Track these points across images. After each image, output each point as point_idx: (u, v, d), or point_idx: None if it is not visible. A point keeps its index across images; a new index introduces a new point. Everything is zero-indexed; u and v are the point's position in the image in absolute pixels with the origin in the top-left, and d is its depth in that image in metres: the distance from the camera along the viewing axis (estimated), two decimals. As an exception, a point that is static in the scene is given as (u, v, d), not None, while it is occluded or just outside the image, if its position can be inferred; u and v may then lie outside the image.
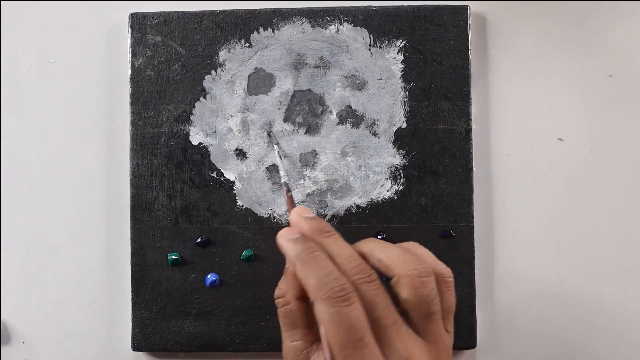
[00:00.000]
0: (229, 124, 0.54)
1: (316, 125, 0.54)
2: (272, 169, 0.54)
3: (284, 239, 0.41)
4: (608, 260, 0.55)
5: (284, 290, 0.41)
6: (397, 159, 0.54)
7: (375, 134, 0.54)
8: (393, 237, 0.53)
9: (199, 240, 0.54)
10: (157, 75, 0.54)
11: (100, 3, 0.56)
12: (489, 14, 0.56)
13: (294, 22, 0.54)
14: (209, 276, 0.54)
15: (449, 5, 0.54)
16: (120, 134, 0.56)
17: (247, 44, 0.54)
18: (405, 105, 0.54)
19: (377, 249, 0.41)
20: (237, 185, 0.54)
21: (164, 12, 0.54)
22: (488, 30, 0.56)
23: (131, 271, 0.54)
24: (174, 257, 0.54)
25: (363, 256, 0.41)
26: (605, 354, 0.55)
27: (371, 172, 0.54)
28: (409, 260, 0.40)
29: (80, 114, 0.56)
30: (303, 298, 0.40)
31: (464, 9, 0.54)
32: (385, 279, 0.41)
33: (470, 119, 0.54)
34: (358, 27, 0.54)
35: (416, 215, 0.53)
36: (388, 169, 0.54)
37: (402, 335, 0.38)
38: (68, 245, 0.56)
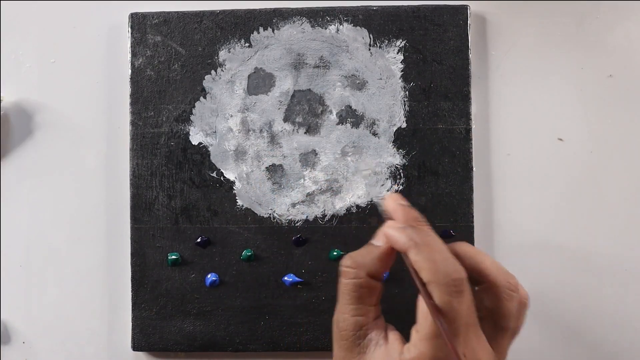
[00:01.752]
0: (229, 123, 0.54)
1: (316, 125, 0.54)
2: (272, 169, 0.54)
3: (394, 230, 0.40)
4: (608, 260, 0.55)
5: (359, 263, 0.41)
6: (397, 159, 0.54)
7: (375, 134, 0.54)
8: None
9: (199, 240, 0.54)
10: (157, 75, 0.54)
11: (100, 3, 0.56)
12: (489, 14, 0.56)
13: (293, 22, 0.54)
14: (209, 276, 0.54)
15: (449, 5, 0.54)
16: (120, 134, 0.56)
17: (247, 44, 0.54)
18: (405, 105, 0.54)
19: (472, 252, 0.41)
20: (237, 185, 0.54)
21: (164, 12, 0.54)
22: (488, 30, 0.56)
23: (131, 271, 0.54)
24: (174, 257, 0.54)
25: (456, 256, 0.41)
26: (606, 354, 0.55)
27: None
28: (503, 272, 0.40)
29: (80, 114, 0.56)
30: (376, 277, 0.41)
31: (463, 9, 0.54)
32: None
33: (470, 119, 0.54)
34: (358, 27, 0.54)
35: (416, 215, 0.53)
36: (388, 168, 0.54)
37: (479, 338, 0.38)
38: (68, 245, 0.56)
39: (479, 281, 0.41)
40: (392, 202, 0.42)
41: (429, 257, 0.38)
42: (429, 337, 0.37)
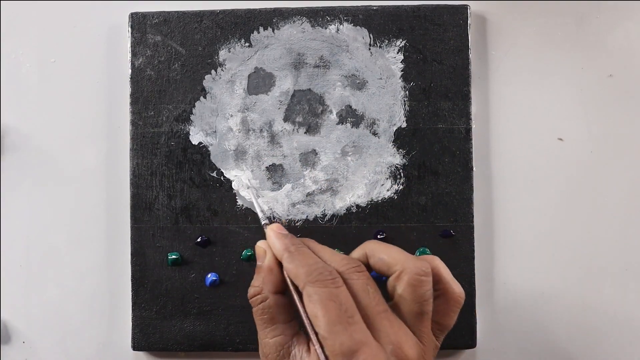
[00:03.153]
0: (229, 123, 0.54)
1: (316, 124, 0.54)
2: (272, 169, 0.54)
3: (273, 232, 0.43)
4: (608, 260, 0.55)
5: (259, 287, 0.42)
6: (397, 159, 0.54)
7: (375, 134, 0.54)
8: (393, 237, 0.53)
9: (199, 240, 0.54)
10: (157, 75, 0.54)
11: (100, 3, 0.56)
12: (489, 13, 0.56)
13: (294, 21, 0.54)
14: (209, 276, 0.54)
15: (449, 5, 0.54)
16: (120, 133, 0.56)
17: (247, 44, 0.54)
18: (405, 105, 0.54)
19: (379, 249, 0.43)
20: (237, 185, 0.54)
21: (164, 11, 0.54)
22: (488, 30, 0.56)
23: (131, 271, 0.54)
24: (174, 256, 0.54)
25: (363, 257, 0.43)
26: (606, 354, 0.55)
27: (371, 171, 0.54)
28: (410, 259, 0.41)
29: (80, 114, 0.56)
30: (280, 293, 0.42)
31: (463, 9, 0.54)
32: (384, 279, 0.42)
33: (470, 119, 0.54)
34: (358, 27, 0.54)
35: (416, 214, 0.53)
36: (388, 168, 0.54)
37: (393, 323, 0.39)
38: (68, 245, 0.56)
39: (388, 274, 0.42)
40: (272, 232, 0.44)
41: (300, 261, 0.40)
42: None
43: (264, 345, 0.42)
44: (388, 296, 0.42)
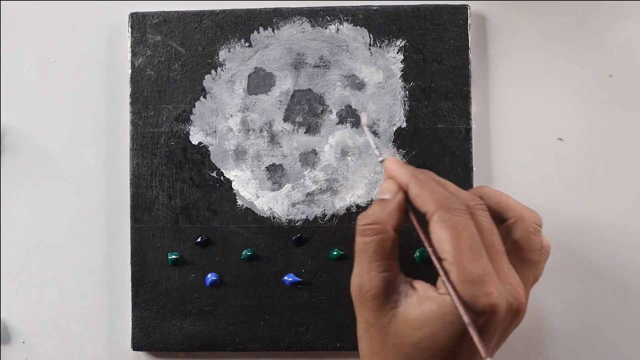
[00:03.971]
0: (229, 123, 0.54)
1: (316, 124, 0.54)
2: (272, 169, 0.54)
3: (395, 163, 0.42)
4: (608, 260, 0.55)
5: (381, 218, 0.40)
6: (397, 159, 0.54)
7: (375, 134, 0.54)
8: (393, 237, 0.53)
9: (199, 239, 0.54)
10: (157, 75, 0.54)
11: (100, 3, 0.56)
12: (489, 13, 0.56)
13: (294, 21, 0.54)
14: (209, 276, 0.54)
15: (449, 5, 0.54)
16: (120, 133, 0.56)
17: (247, 44, 0.54)
18: (405, 105, 0.54)
19: (494, 194, 0.43)
20: (237, 185, 0.54)
21: (164, 11, 0.54)
22: (488, 30, 0.56)
23: (131, 271, 0.54)
24: (174, 256, 0.54)
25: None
26: (606, 354, 0.55)
27: (371, 171, 0.54)
28: (527, 208, 0.42)
29: (80, 114, 0.56)
30: (398, 230, 0.41)
31: (463, 9, 0.54)
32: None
33: (470, 119, 0.54)
34: (358, 27, 0.54)
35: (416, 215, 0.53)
36: (388, 168, 0.54)
37: (509, 265, 0.39)
38: (68, 245, 0.56)
39: (505, 218, 0.42)
40: (393, 164, 0.43)
41: (429, 189, 0.39)
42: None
43: (369, 280, 0.40)
44: None
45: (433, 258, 0.38)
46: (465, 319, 0.36)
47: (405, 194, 0.41)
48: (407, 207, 0.41)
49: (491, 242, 0.39)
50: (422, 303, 0.39)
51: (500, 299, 0.37)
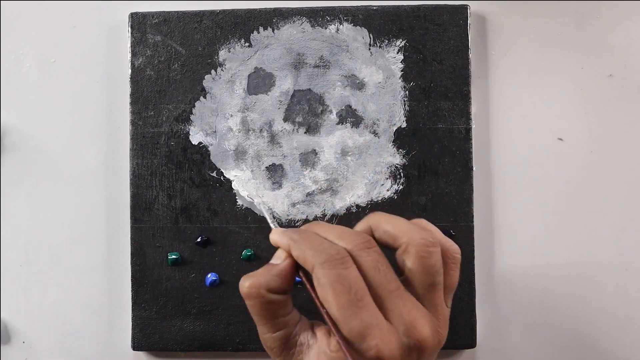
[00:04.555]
0: (229, 123, 0.54)
1: (316, 124, 0.54)
2: (272, 169, 0.54)
3: (276, 234, 0.41)
4: (608, 260, 0.55)
5: (258, 283, 0.40)
6: (397, 159, 0.54)
7: (375, 134, 0.54)
8: (393, 237, 0.53)
9: (199, 239, 0.54)
10: (157, 75, 0.54)
11: (100, 3, 0.56)
12: (489, 13, 0.56)
13: (293, 21, 0.54)
14: (209, 276, 0.54)
15: (449, 5, 0.54)
16: (120, 133, 0.56)
17: (247, 44, 0.54)
18: (405, 105, 0.54)
19: (383, 221, 0.41)
20: (237, 185, 0.54)
21: (164, 11, 0.54)
22: (488, 30, 0.56)
23: (131, 271, 0.54)
24: (174, 256, 0.54)
25: (368, 231, 0.42)
26: (606, 354, 0.55)
27: (371, 171, 0.54)
28: (417, 231, 0.40)
29: (80, 114, 0.56)
30: (280, 293, 0.41)
31: (463, 9, 0.54)
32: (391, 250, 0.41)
33: (470, 119, 0.54)
34: (358, 27, 0.54)
35: (416, 214, 0.53)
36: (388, 168, 0.54)
37: (406, 301, 0.38)
38: (68, 245, 0.56)
39: (394, 246, 0.40)
40: (273, 234, 0.42)
41: (307, 246, 0.39)
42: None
43: (267, 340, 0.41)
44: (399, 270, 0.41)
45: (324, 316, 0.38)
46: None
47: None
48: (303, 277, 0.41)
49: (378, 284, 0.38)
50: (319, 355, 0.39)
51: (386, 348, 0.36)
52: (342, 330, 0.37)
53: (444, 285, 0.40)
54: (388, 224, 0.41)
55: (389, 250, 0.41)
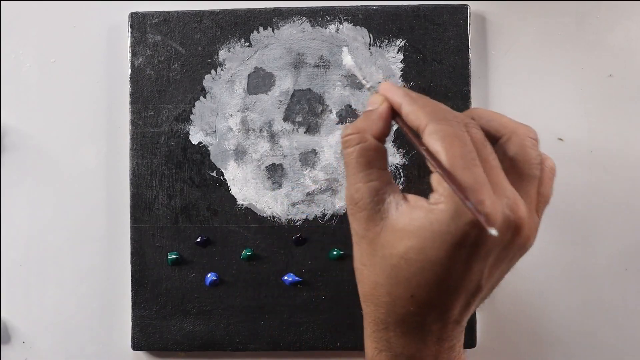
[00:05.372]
0: (229, 123, 0.54)
1: (316, 124, 0.54)
2: (272, 169, 0.54)
3: (389, 84, 0.40)
4: (608, 260, 0.55)
5: (361, 127, 0.40)
6: (397, 158, 0.54)
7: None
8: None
9: (198, 239, 0.54)
10: (157, 75, 0.54)
11: (100, 3, 0.56)
12: (488, 13, 0.56)
13: (293, 21, 0.54)
14: (208, 275, 0.54)
15: (449, 5, 0.54)
16: (120, 133, 0.56)
17: (247, 44, 0.54)
18: (405, 105, 0.54)
19: (487, 113, 0.41)
20: (237, 184, 0.54)
21: (164, 11, 0.54)
22: (488, 30, 0.56)
23: (131, 270, 0.54)
24: (173, 256, 0.54)
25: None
26: (606, 354, 0.55)
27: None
28: (521, 125, 0.40)
29: (80, 114, 0.56)
30: (381, 139, 0.40)
31: (463, 9, 0.54)
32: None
33: (470, 119, 0.54)
34: (358, 27, 0.54)
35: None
36: (388, 167, 0.54)
37: (506, 181, 0.37)
38: (68, 245, 0.56)
39: (499, 136, 0.40)
40: (385, 84, 0.41)
41: (421, 104, 0.38)
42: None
43: (356, 190, 0.39)
44: None
45: (434, 168, 0.36)
46: (468, 204, 0.34)
47: (393, 108, 0.40)
48: (400, 122, 0.40)
49: (485, 157, 0.37)
50: (411, 212, 0.37)
51: (493, 209, 0.35)
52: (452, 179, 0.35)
53: (538, 193, 0.40)
54: (492, 115, 0.41)
55: None
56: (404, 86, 0.53)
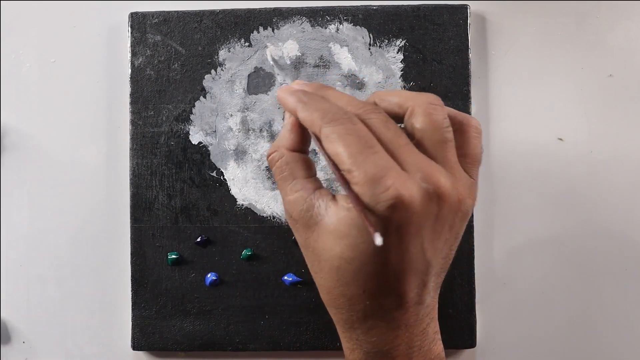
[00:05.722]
0: (229, 123, 0.54)
1: (316, 124, 0.54)
2: (272, 169, 0.54)
3: (285, 92, 0.41)
4: (608, 260, 0.55)
5: (278, 145, 0.41)
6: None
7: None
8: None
9: (198, 239, 0.54)
10: (157, 75, 0.54)
11: (100, 3, 0.56)
12: (488, 13, 0.56)
13: (293, 21, 0.54)
14: (208, 275, 0.54)
15: (449, 5, 0.54)
16: (120, 133, 0.56)
17: (247, 44, 0.54)
18: (405, 105, 0.54)
19: (387, 93, 0.41)
20: (237, 184, 0.54)
21: (164, 11, 0.54)
22: (488, 30, 0.56)
23: (131, 270, 0.54)
24: (173, 256, 0.54)
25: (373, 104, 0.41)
26: (606, 354, 0.55)
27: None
28: (421, 94, 0.40)
29: (80, 114, 0.56)
30: (299, 151, 0.41)
31: (463, 9, 0.54)
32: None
33: (470, 119, 0.54)
34: (358, 27, 0.54)
35: (416, 214, 0.53)
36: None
37: (417, 155, 0.37)
38: (68, 245, 0.56)
39: (401, 113, 0.40)
40: (281, 92, 0.41)
41: (313, 108, 0.38)
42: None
43: (287, 204, 0.40)
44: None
45: (335, 173, 0.37)
46: (367, 220, 0.35)
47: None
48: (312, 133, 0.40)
49: (389, 139, 0.37)
50: (338, 213, 0.37)
51: (404, 188, 0.35)
52: (356, 177, 0.35)
53: (466, 155, 0.40)
54: (393, 95, 0.40)
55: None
56: (406, 86, 0.54)
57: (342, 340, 0.41)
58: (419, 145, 0.38)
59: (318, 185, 0.40)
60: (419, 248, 0.37)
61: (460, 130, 0.40)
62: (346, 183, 0.36)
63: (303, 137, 0.41)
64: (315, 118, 0.38)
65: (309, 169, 0.41)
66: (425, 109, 0.39)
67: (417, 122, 0.39)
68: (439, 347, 0.41)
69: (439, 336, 0.42)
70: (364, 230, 0.36)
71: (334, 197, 0.39)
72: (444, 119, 0.39)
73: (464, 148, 0.40)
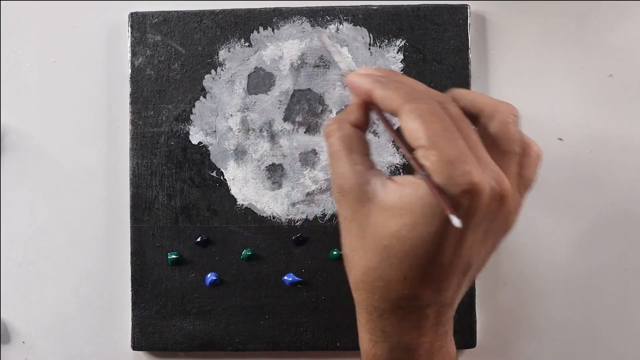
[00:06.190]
0: (229, 123, 0.54)
1: (316, 124, 0.54)
2: (272, 169, 0.54)
3: (357, 75, 0.40)
4: (608, 260, 0.55)
5: (340, 119, 0.40)
6: (397, 158, 0.54)
7: (375, 133, 0.54)
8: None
9: (198, 239, 0.54)
10: (157, 75, 0.54)
11: (100, 3, 0.56)
12: (488, 13, 0.56)
13: (293, 21, 0.54)
14: (208, 275, 0.54)
15: (449, 5, 0.54)
16: (120, 133, 0.56)
17: (247, 44, 0.54)
18: (405, 105, 0.54)
19: (467, 92, 0.41)
20: (237, 184, 0.54)
21: (164, 11, 0.54)
22: (488, 30, 0.56)
23: (131, 270, 0.54)
24: (173, 256, 0.54)
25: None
26: (606, 354, 0.55)
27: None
28: (503, 103, 0.40)
29: (80, 114, 0.56)
30: (359, 127, 0.40)
31: (463, 9, 0.54)
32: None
33: (470, 119, 0.54)
34: (358, 27, 0.54)
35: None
36: (388, 168, 0.54)
37: (488, 155, 0.37)
38: (68, 245, 0.56)
39: (480, 115, 0.40)
40: (351, 76, 0.41)
41: (394, 87, 0.38)
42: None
43: (340, 177, 0.38)
44: None
45: (406, 152, 0.37)
46: (440, 199, 0.34)
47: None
48: (375, 108, 0.40)
49: (466, 133, 0.37)
50: (400, 189, 0.36)
51: (481, 178, 0.34)
52: (435, 154, 0.35)
53: (522, 175, 0.40)
54: (473, 95, 0.40)
55: None
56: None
57: (363, 332, 0.40)
58: (487, 149, 0.38)
59: (374, 165, 0.39)
60: (469, 244, 0.36)
61: (523, 152, 0.40)
62: (418, 164, 0.35)
63: (367, 117, 0.40)
64: (397, 96, 0.37)
65: (368, 148, 0.40)
66: (504, 118, 0.39)
67: (493, 127, 0.39)
68: (454, 349, 0.41)
69: (453, 338, 0.41)
70: (429, 210, 0.35)
71: (390, 177, 0.38)
72: (519, 132, 0.39)
73: (522, 169, 0.40)
